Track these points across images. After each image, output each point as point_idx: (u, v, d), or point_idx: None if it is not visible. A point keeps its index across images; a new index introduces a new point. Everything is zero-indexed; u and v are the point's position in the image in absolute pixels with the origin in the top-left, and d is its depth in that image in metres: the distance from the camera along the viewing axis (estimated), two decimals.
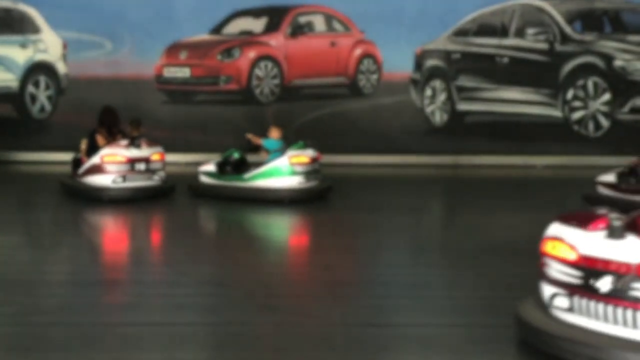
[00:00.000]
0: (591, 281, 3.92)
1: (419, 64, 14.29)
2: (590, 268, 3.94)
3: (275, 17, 14.38)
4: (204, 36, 14.32)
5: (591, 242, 3.99)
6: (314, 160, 9.49)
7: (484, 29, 14.08)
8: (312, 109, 14.37)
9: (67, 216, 9.12)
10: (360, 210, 9.28)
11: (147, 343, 4.58)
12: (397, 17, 14.14)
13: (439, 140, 14.20)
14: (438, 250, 7.44)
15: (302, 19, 14.40)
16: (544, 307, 4.27)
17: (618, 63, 13.48)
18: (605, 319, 3.88)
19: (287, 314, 5.07)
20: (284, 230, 8.64)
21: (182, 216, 9.06)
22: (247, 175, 9.42)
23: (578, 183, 12.42)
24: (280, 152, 9.44)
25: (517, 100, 14.03)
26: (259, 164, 9.47)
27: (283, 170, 9.23)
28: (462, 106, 14.21)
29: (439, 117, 14.30)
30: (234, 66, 14.08)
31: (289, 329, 4.78)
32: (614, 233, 3.95)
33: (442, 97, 14.26)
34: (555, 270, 4.12)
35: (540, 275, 4.27)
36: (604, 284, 3.87)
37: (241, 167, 9.66)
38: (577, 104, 13.76)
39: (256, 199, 9.26)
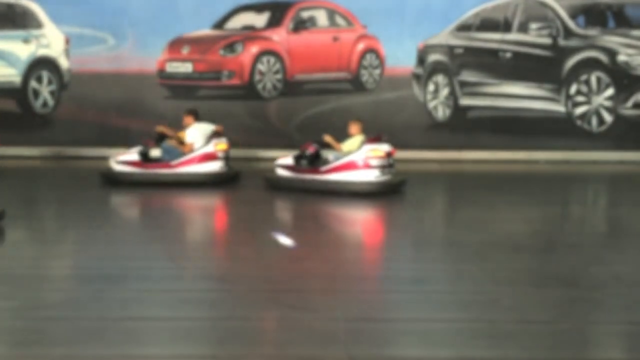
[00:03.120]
0: None
1: (421, 59, 14.26)
2: None
3: (277, 12, 14.36)
4: (207, 31, 14.30)
5: None
6: None
7: (486, 23, 14.04)
8: (315, 104, 14.35)
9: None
10: (362, 205, 9.26)
11: (150, 338, 4.59)
12: (399, 11, 14.11)
13: (441, 135, 14.18)
14: (440, 245, 7.43)
15: (305, 14, 14.37)
16: None
17: (621, 58, 13.44)
18: None
19: (289, 309, 5.07)
20: (283, 223, 8.64)
21: None
22: None
23: (581, 178, 12.42)
24: None
25: (520, 95, 14.00)
26: None
27: None
28: (465, 101, 14.18)
29: (441, 112, 14.28)
30: (237, 61, 14.07)
31: (291, 323, 4.78)
32: None
33: (444, 92, 14.23)
34: None
35: None
36: None
37: None
38: (580, 98, 13.73)
39: None
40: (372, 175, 9.58)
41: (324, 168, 9.78)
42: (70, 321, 4.80)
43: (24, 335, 4.59)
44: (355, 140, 9.95)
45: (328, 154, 9.97)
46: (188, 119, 10.73)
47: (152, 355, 4.29)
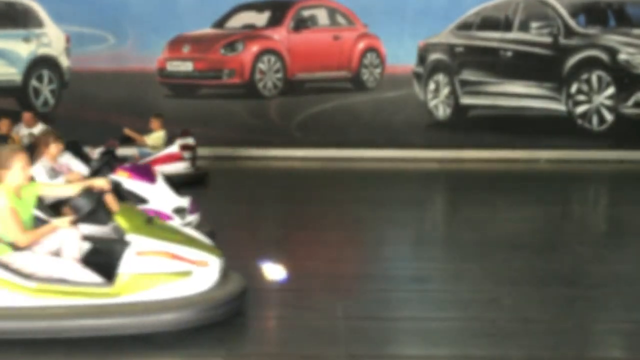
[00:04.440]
0: None
1: (422, 58, 14.26)
2: None
3: (278, 11, 14.36)
4: (207, 30, 14.30)
5: None
6: None
7: (487, 22, 14.04)
8: (316, 103, 14.36)
9: None
10: (363, 204, 9.27)
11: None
12: (400, 10, 14.11)
13: (442, 134, 14.19)
14: (441, 244, 7.43)
15: (306, 13, 14.37)
16: None
17: (622, 57, 13.44)
18: None
19: (290, 308, 5.07)
20: (284, 222, 8.64)
21: None
22: None
23: (581, 177, 12.41)
24: None
25: (520, 94, 14.00)
26: None
27: None
28: (466, 100, 14.18)
29: (442, 111, 14.28)
30: (237, 60, 14.07)
31: (292, 322, 4.78)
32: None
33: (445, 91, 14.23)
34: None
35: None
36: None
37: None
38: (581, 97, 13.73)
39: None
40: (183, 167, 10.27)
41: (141, 162, 10.07)
42: None
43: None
44: (158, 134, 10.63)
45: (134, 149, 10.42)
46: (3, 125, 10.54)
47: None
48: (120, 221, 4.64)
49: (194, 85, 14.35)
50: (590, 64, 13.50)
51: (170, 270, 4.47)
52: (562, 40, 13.63)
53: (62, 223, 4.62)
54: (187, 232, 5.02)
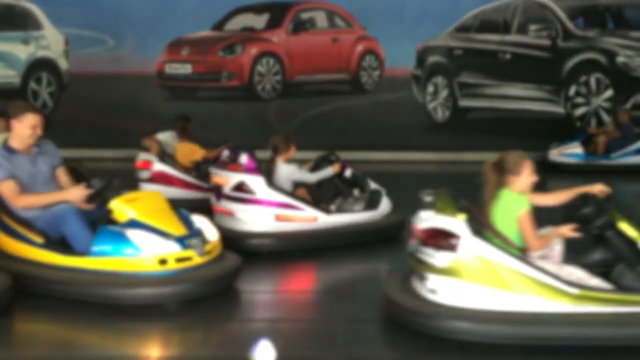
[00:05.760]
0: None
1: (420, 60, 14.28)
2: None
3: (277, 14, 14.37)
4: (206, 32, 14.32)
5: None
6: None
7: (486, 25, 14.06)
8: (314, 106, 14.37)
9: None
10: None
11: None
12: (399, 13, 14.13)
13: (440, 137, 14.20)
14: None
15: (304, 15, 14.39)
16: None
17: (621, 59, 13.46)
18: None
19: (289, 311, 5.06)
20: None
21: None
22: None
23: (580, 179, 12.40)
24: None
25: (519, 96, 14.02)
26: None
27: None
28: (464, 102, 14.20)
29: (440, 114, 14.30)
30: (236, 62, 14.08)
31: (291, 325, 4.78)
32: None
33: (444, 93, 14.25)
34: None
35: None
36: None
37: None
38: (579, 100, 13.75)
39: None
40: None
41: None
42: None
43: None
44: (2, 136, 10.58)
45: None
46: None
47: None
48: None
49: (192, 88, 14.36)
50: (589, 66, 13.52)
51: None
52: (561, 43, 13.65)
53: (567, 231, 4.63)
54: None
